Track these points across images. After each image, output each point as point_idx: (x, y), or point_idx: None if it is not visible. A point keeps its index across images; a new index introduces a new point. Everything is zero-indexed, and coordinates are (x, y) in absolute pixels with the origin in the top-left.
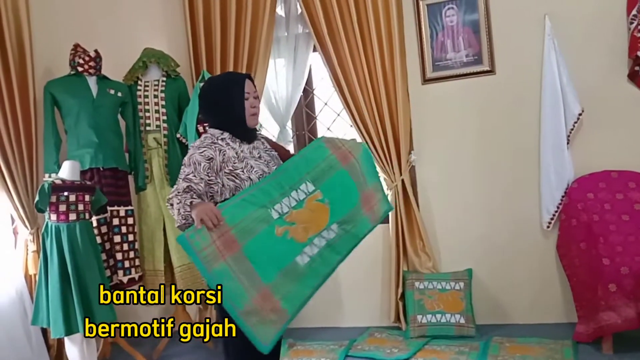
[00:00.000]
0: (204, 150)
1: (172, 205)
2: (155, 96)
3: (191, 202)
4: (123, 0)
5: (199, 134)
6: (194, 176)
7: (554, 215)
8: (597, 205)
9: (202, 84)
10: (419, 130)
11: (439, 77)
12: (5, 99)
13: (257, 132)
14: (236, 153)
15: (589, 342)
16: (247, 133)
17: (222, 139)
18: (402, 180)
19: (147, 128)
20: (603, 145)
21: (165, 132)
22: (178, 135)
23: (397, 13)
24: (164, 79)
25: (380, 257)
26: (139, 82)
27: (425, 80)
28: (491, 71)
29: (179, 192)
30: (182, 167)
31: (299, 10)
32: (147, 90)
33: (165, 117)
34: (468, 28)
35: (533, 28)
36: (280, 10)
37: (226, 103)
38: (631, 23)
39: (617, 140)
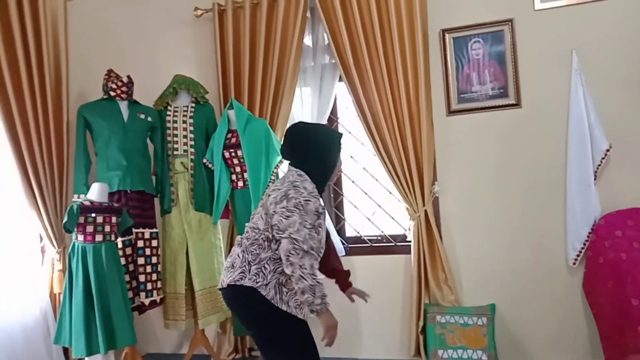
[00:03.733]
0: (316, 201)
1: (296, 246)
2: (184, 121)
3: (328, 305)
4: (156, 28)
5: (225, 160)
6: (312, 228)
7: (580, 252)
8: (625, 243)
9: (290, 127)
10: (443, 161)
11: (464, 109)
12: (40, 120)
13: None
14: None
15: None
16: (324, 189)
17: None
18: (425, 211)
19: (175, 152)
20: (631, 181)
21: (192, 157)
22: (204, 160)
23: (422, 45)
24: (193, 105)
25: (402, 288)
26: (169, 108)
27: (450, 112)
28: (517, 105)
29: (306, 253)
30: (299, 208)
31: (326, 41)
32: (177, 116)
33: (192, 142)
34: (494, 61)
35: (560, 63)
36: (307, 41)
37: (329, 158)
38: None
39: None
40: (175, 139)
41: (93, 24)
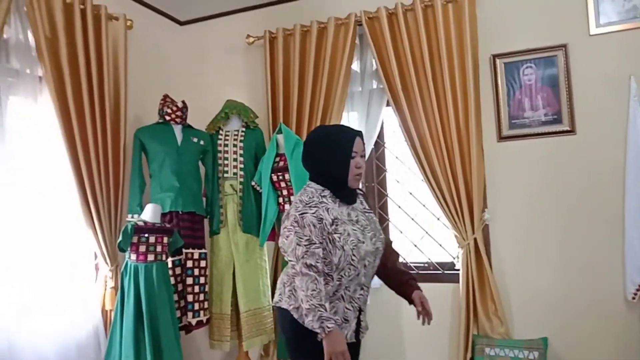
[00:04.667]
0: (315, 211)
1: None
2: (235, 145)
3: (328, 329)
4: (209, 55)
5: (273, 183)
6: (314, 242)
7: (639, 286)
8: None
9: (308, 135)
10: (494, 188)
11: (515, 135)
12: (99, 143)
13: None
14: (336, 215)
15: None
16: (347, 194)
17: (324, 196)
18: (475, 239)
19: (225, 175)
20: None
21: (242, 180)
22: (253, 183)
23: (472, 70)
24: (244, 129)
25: (449, 318)
26: (220, 132)
27: (501, 138)
28: (571, 131)
29: (304, 275)
30: (294, 225)
31: (374, 67)
32: (227, 140)
33: (242, 165)
34: (547, 87)
35: (617, 89)
36: (355, 67)
37: (331, 158)
38: None
39: None
40: (225, 162)
41: (150, 51)
